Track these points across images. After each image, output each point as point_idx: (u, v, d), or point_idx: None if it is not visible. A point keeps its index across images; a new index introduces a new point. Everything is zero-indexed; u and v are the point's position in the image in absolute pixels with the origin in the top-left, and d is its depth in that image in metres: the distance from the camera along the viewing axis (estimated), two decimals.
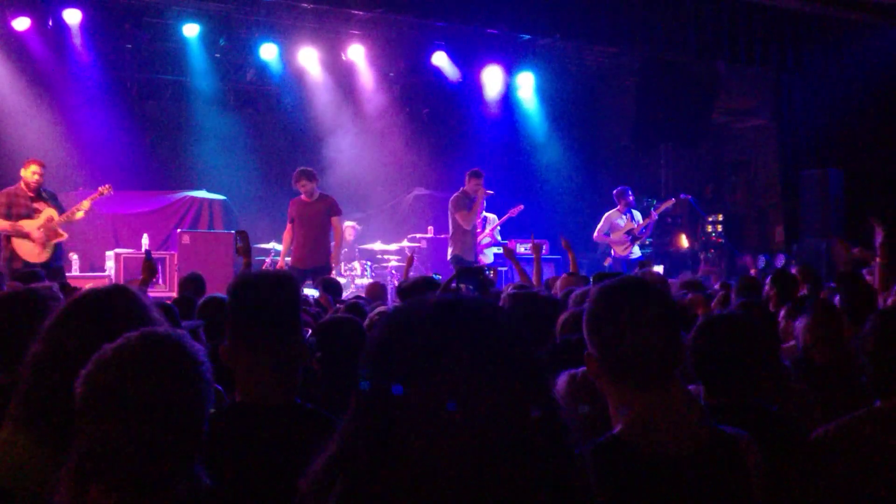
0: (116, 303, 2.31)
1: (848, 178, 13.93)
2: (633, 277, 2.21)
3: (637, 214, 12.45)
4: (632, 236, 12.26)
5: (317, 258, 10.05)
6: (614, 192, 12.55)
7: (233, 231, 12.08)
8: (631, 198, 12.41)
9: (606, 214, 12.48)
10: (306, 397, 3.29)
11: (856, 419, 2.67)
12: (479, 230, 12.00)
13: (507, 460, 1.11)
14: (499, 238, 12.34)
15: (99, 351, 1.74)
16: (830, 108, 14.31)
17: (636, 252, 12.37)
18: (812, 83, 14.32)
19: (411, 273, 8.87)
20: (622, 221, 12.36)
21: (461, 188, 11.19)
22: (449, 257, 11.26)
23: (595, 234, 12.56)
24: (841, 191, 13.86)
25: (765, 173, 15.74)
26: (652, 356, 2.04)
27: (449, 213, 11.09)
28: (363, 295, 8.15)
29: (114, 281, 10.90)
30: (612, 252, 12.43)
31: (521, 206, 12.41)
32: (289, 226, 10.20)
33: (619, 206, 12.41)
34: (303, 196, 10.12)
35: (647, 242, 13.94)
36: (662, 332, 2.07)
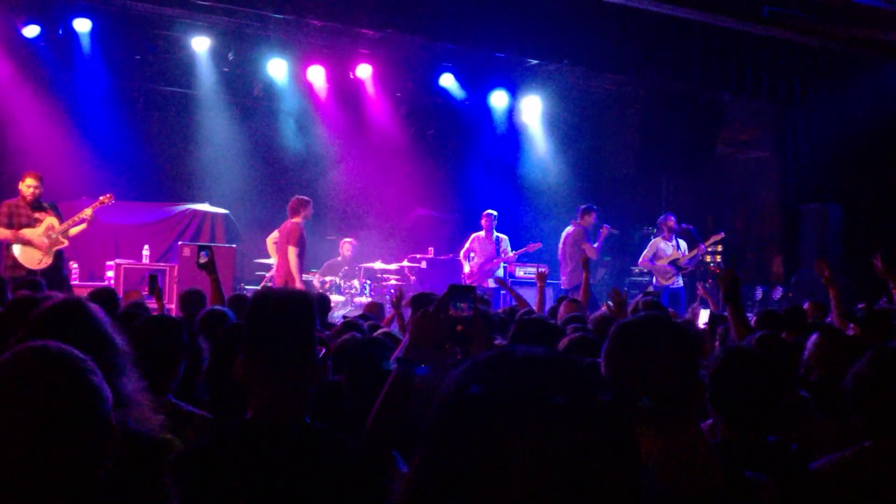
0: (75, 319, 2.36)
1: (847, 213, 13.99)
2: (653, 315, 2.18)
3: (682, 244, 12.37)
4: (676, 267, 12.14)
5: None
6: (658, 219, 12.57)
7: (233, 245, 12.18)
8: (673, 223, 12.30)
9: (653, 241, 12.45)
10: (334, 414, 3.31)
11: (846, 459, 2.65)
12: (494, 251, 12.40)
13: None
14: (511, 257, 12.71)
15: None
16: (832, 143, 14.34)
17: (679, 282, 12.27)
18: (815, 118, 14.37)
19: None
20: (669, 249, 12.26)
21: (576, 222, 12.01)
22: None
23: (640, 259, 12.50)
24: (840, 225, 13.91)
25: (765, 205, 15.78)
26: (668, 398, 2.00)
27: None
28: (363, 312, 8.15)
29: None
30: (655, 280, 12.30)
31: (540, 244, 12.69)
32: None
33: (663, 234, 12.35)
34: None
35: (645, 271, 13.90)
36: (679, 374, 2.03)
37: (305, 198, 10.88)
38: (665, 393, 2.00)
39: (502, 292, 12.69)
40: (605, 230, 11.93)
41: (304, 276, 12.41)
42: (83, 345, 1.90)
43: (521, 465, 0.98)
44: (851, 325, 5.52)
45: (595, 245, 11.87)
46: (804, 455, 2.85)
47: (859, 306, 8.42)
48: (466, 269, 12.49)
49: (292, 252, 10.39)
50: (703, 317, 7.94)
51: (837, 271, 13.65)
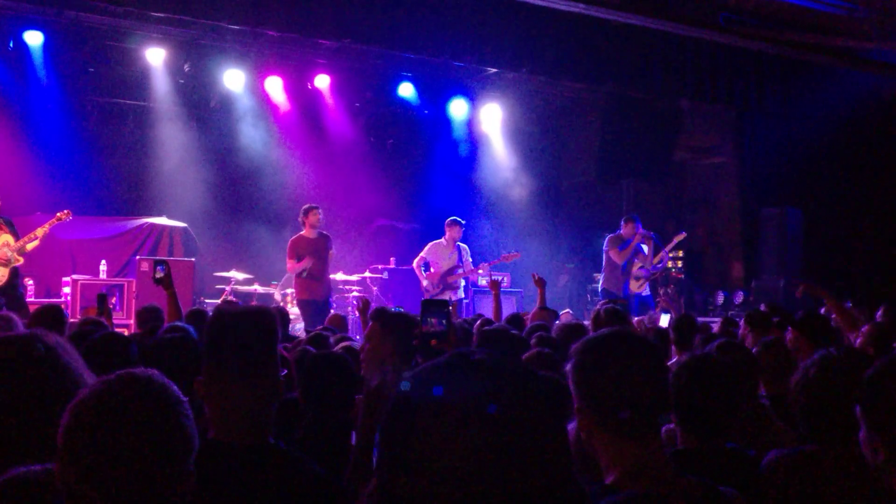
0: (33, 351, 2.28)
1: (806, 217, 14.14)
2: (620, 329, 2.19)
3: (646, 248, 12.08)
4: (647, 272, 12.01)
5: (328, 290, 10.97)
6: (622, 221, 12.17)
7: (192, 258, 12.03)
8: (640, 229, 11.99)
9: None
10: (290, 431, 3.24)
11: (792, 457, 2.70)
12: (457, 261, 11.68)
13: None
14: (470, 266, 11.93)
15: (76, 397, 1.68)
16: (790, 149, 14.53)
17: (647, 289, 12.13)
18: (773, 123, 14.54)
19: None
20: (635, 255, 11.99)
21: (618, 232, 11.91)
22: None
23: (617, 259, 12.09)
24: (799, 230, 14.05)
25: (725, 210, 15.91)
26: (643, 408, 2.02)
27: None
28: (326, 325, 8.07)
29: (69, 307, 10.69)
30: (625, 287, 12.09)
31: (518, 255, 12.08)
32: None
33: (624, 233, 11.96)
34: (309, 232, 10.71)
35: (598, 277, 13.83)
36: (653, 384, 2.06)
37: (307, 206, 10.90)
38: (637, 405, 2.02)
39: (465, 301, 12.60)
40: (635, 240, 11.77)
41: (265, 289, 12.30)
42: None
43: (449, 464, 1.06)
44: (790, 329, 5.55)
45: (622, 251, 11.66)
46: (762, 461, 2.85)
47: (821, 311, 8.53)
48: (424, 282, 11.71)
49: (288, 264, 10.78)
50: (664, 321, 7.93)
51: (798, 275, 13.85)
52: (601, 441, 2.05)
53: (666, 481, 2.01)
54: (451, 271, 11.61)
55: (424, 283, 11.68)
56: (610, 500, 1.90)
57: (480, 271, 11.94)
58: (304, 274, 10.54)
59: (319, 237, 10.79)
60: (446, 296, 11.41)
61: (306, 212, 10.74)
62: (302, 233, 10.78)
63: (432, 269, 11.66)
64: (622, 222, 12.00)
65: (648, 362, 2.07)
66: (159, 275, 6.12)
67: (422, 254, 11.75)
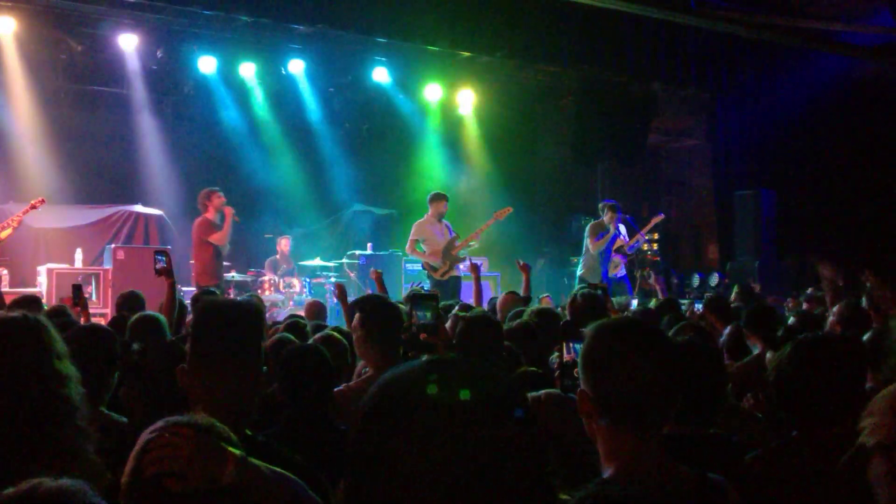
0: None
1: (780, 198, 14.25)
2: (632, 318, 2.18)
3: (623, 229, 11.99)
4: (622, 254, 11.97)
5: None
6: (600, 205, 12.12)
7: (168, 246, 11.96)
8: (619, 213, 11.88)
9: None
10: (268, 425, 3.24)
11: (774, 450, 2.71)
12: (450, 235, 10.86)
13: None
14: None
15: None
16: (763, 131, 14.64)
17: (623, 270, 12.10)
18: (746, 106, 14.63)
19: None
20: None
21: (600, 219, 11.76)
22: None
23: (592, 248, 11.75)
24: (773, 211, 14.17)
25: (699, 192, 16.02)
26: (652, 401, 1.99)
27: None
28: (302, 314, 8.04)
29: (44, 296, 10.60)
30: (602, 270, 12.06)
31: (510, 209, 11.26)
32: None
33: (605, 221, 11.81)
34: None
35: (575, 261, 13.84)
36: (665, 378, 2.00)
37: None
38: (647, 397, 1.99)
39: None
40: (612, 228, 11.69)
41: (241, 277, 12.25)
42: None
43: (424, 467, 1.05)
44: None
45: (597, 241, 11.55)
46: (744, 448, 2.87)
47: (808, 292, 8.61)
48: (432, 262, 10.68)
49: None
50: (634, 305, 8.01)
51: (771, 257, 13.99)
52: (601, 429, 2.02)
53: (661, 472, 1.99)
54: (451, 245, 10.70)
55: (432, 262, 10.71)
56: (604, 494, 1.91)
57: (474, 242, 10.94)
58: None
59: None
60: (455, 273, 10.77)
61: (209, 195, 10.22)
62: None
63: (427, 250, 10.75)
64: (604, 210, 11.83)
65: (661, 359, 2.01)
66: (160, 265, 6.12)
67: (412, 237, 10.81)
